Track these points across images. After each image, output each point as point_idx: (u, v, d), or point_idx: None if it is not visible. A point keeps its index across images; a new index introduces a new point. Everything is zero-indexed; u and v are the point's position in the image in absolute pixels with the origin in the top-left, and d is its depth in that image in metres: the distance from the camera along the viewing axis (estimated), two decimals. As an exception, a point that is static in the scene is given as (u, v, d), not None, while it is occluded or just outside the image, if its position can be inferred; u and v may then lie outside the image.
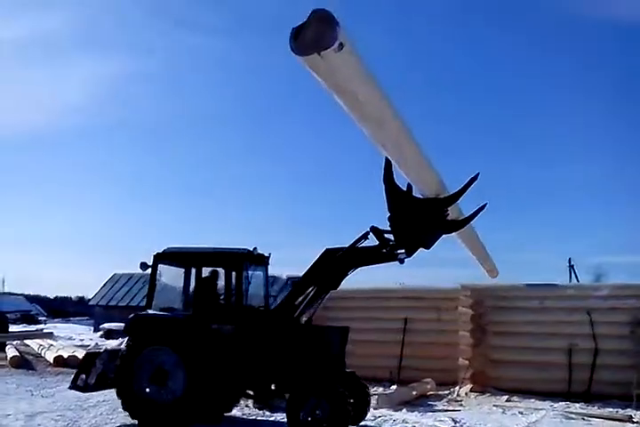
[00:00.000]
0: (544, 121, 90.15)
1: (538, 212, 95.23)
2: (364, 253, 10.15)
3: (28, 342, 24.13)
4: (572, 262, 46.87)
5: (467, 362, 15.08)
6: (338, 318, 17.69)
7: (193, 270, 11.36)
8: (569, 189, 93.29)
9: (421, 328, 16.51)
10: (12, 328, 34.72)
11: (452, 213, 10.02)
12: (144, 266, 11.29)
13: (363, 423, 10.97)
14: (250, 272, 11.17)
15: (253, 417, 11.48)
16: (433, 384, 15.02)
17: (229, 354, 10.26)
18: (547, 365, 14.31)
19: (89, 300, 48.44)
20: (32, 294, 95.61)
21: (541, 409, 12.61)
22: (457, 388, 14.87)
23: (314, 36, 4.82)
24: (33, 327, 40.22)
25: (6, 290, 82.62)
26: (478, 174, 9.39)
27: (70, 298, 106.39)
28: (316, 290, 10.26)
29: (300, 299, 10.27)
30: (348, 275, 10.62)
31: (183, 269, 11.56)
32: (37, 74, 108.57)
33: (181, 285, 11.47)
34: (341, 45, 4.89)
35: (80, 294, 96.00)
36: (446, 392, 14.77)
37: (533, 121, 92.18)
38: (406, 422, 11.26)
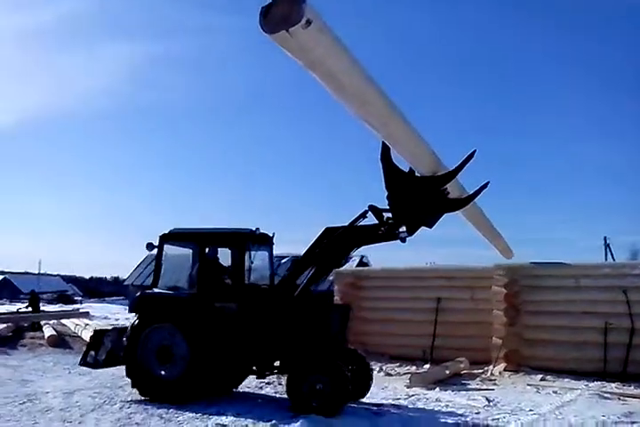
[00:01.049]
0: (582, 101, 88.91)
1: (573, 191, 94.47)
2: (362, 231, 10.25)
3: (64, 321, 24.42)
4: (608, 241, 46.29)
5: (500, 341, 14.98)
6: (370, 297, 17.84)
7: (197, 250, 11.50)
8: (604, 167, 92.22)
9: (455, 307, 16.47)
10: (49, 308, 35.27)
11: (453, 191, 10.01)
12: (150, 246, 11.48)
13: (396, 402, 11.02)
14: (253, 252, 11.33)
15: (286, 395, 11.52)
16: (466, 363, 14.98)
17: (232, 331, 10.47)
18: (582, 344, 14.14)
19: (124, 280, 49.03)
20: (68, 274, 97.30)
21: (576, 389, 12.49)
22: (490, 367, 14.80)
23: (281, 13, 4.92)
24: (69, 307, 40.72)
25: (43, 271, 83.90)
26: (475, 151, 9.43)
27: (105, 278, 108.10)
28: (318, 268, 10.38)
29: (301, 277, 10.45)
30: (349, 254, 10.80)
31: (188, 249, 11.76)
32: (66, 58, 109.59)
33: (186, 264, 11.61)
34: (309, 22, 4.92)
35: (115, 275, 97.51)
36: (480, 371, 14.72)
37: (571, 102, 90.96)
38: (439, 401, 11.23)
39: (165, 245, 11.48)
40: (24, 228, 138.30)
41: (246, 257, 11.08)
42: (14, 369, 14.52)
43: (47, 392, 11.31)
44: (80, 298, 66.27)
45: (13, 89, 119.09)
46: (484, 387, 13.01)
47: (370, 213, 10.14)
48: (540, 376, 13.74)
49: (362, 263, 30.54)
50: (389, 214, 9.96)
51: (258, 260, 11.67)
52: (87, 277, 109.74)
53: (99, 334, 12.12)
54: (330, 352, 10.19)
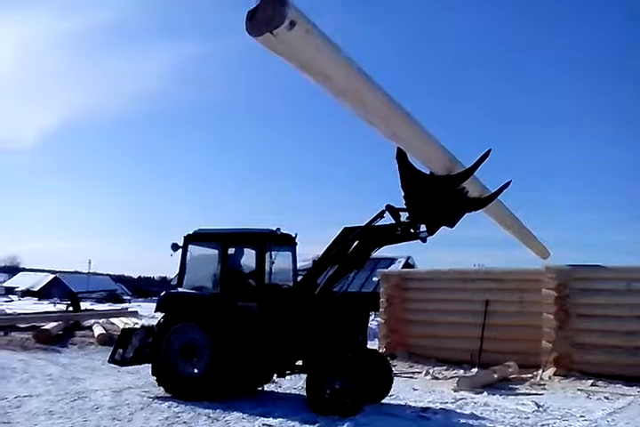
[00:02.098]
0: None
1: (623, 192, 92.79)
2: (379, 231, 10.28)
3: (113, 320, 24.76)
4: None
5: (550, 345, 14.73)
6: (416, 299, 17.75)
7: (220, 250, 11.63)
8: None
9: (503, 310, 16.25)
10: (98, 307, 35.87)
11: (474, 191, 9.92)
12: (175, 247, 11.70)
13: (443, 406, 10.89)
14: (274, 252, 11.40)
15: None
16: (515, 367, 14.74)
17: (253, 330, 10.63)
18: (634, 349, 13.83)
19: (170, 280, 49.57)
20: (117, 274, 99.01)
21: (628, 395, 12.24)
22: (540, 371, 14.55)
23: (265, 16, 4.96)
24: (118, 306, 41.34)
25: (93, 270, 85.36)
26: (490, 151, 9.32)
27: (153, 278, 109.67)
28: (338, 268, 10.45)
29: (321, 277, 10.58)
30: (371, 255, 10.73)
31: (211, 250, 11.94)
32: (113, 59, 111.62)
33: (210, 264, 11.77)
34: (293, 24, 4.94)
35: (162, 275, 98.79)
36: (529, 376, 14.47)
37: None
38: (487, 406, 11.08)
39: (190, 246, 11.71)
40: (75, 228, 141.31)
41: (267, 257, 11.20)
42: (65, 367, 14.79)
43: (97, 390, 11.47)
44: (129, 297, 67.27)
45: (63, 91, 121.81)
46: (534, 392, 12.80)
47: (387, 212, 10.16)
48: (591, 381, 13.48)
49: (408, 265, 30.40)
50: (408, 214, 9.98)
51: (285, 261, 11.88)
52: (135, 276, 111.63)
53: (127, 333, 12.39)
54: (348, 352, 10.26)
